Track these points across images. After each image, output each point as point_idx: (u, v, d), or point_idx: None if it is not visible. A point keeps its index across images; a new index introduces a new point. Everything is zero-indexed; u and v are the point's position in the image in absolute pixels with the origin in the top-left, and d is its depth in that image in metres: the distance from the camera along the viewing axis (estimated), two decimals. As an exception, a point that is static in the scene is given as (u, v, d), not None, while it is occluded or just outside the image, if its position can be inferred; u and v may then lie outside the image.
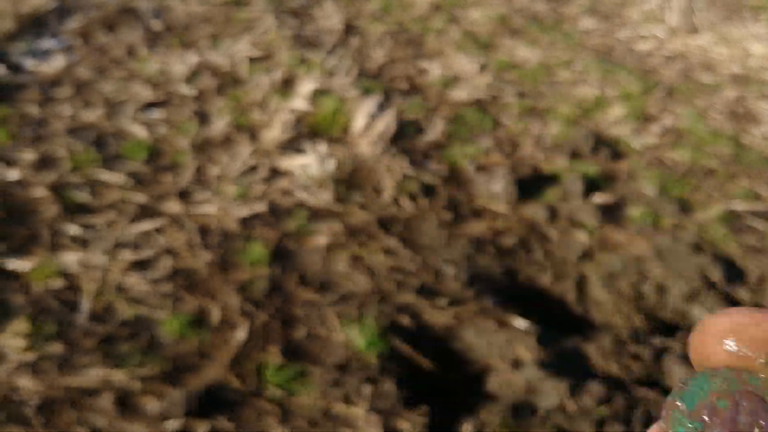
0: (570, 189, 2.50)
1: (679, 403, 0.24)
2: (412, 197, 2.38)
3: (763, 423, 0.23)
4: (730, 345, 0.24)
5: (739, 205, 2.58)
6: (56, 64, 2.96)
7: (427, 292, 1.94)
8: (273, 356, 1.69)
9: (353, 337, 1.74)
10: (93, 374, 1.60)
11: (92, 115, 2.63)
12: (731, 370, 0.24)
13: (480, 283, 2.01)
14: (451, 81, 3.36)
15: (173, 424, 1.50)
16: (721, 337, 0.25)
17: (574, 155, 2.81)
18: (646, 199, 2.52)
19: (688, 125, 3.15)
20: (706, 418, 0.23)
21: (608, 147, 2.86)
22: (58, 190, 2.18)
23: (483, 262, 2.11)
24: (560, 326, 1.95)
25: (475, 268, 2.07)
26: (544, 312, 2.00)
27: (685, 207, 2.52)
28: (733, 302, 2.08)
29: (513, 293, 2.08)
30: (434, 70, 3.44)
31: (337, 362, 1.68)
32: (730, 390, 0.24)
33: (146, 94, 2.81)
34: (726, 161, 2.88)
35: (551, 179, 2.60)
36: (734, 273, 2.21)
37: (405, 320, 1.83)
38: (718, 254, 2.28)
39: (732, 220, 2.50)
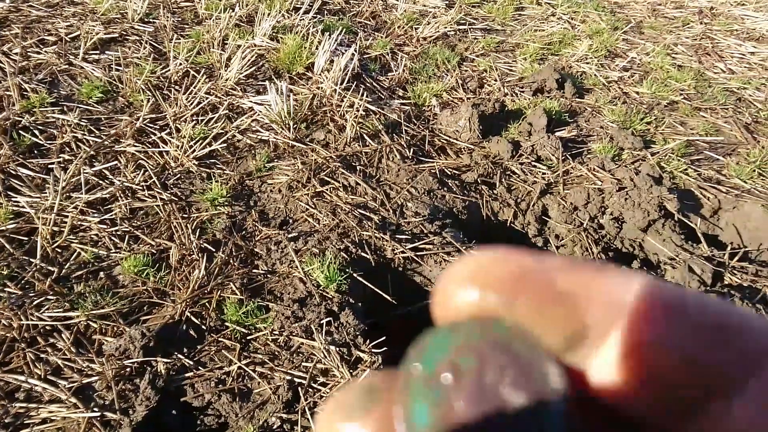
0: (534, 124, 2.49)
1: (415, 368, 0.20)
2: (375, 134, 2.35)
3: (513, 377, 0.19)
4: (472, 292, 0.21)
5: (699, 138, 2.60)
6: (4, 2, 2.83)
7: (388, 227, 1.94)
8: (232, 293, 1.69)
9: (313, 272, 1.74)
10: (49, 314, 1.59)
11: (44, 54, 2.52)
12: (476, 322, 0.21)
13: (442, 218, 2.01)
14: (418, 17, 3.29)
15: (132, 360, 1.51)
16: (463, 284, 0.21)
17: (540, 91, 2.79)
18: (608, 134, 2.53)
19: (654, 60, 3.14)
20: (449, 381, 0.19)
21: (574, 83, 2.84)
22: (8, 131, 2.11)
23: (446, 197, 2.11)
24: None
25: (438, 203, 2.07)
26: (506, 245, 2.01)
27: (646, 140, 2.53)
28: (688, 231, 2.12)
29: (474, 227, 2.10)
30: (400, 6, 3.35)
31: (297, 297, 1.68)
32: (473, 344, 0.20)
33: (101, 31, 2.70)
34: (689, 95, 2.89)
35: (516, 115, 2.58)
36: (691, 203, 2.25)
37: (365, 255, 1.83)
38: (677, 185, 2.31)
39: (692, 152, 2.52)
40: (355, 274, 1.75)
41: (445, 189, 2.15)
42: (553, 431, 0.19)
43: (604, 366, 0.21)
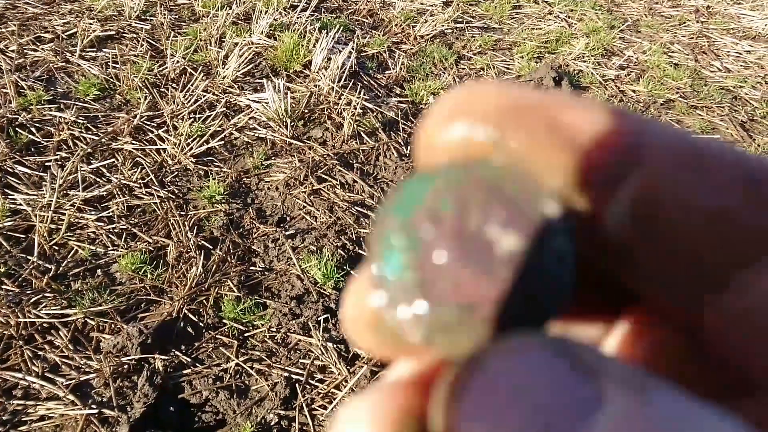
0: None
1: (390, 217, 0.17)
2: (373, 132, 2.35)
3: (499, 214, 0.17)
4: (459, 127, 0.18)
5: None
6: (-1, -2, 2.82)
7: (385, 225, 1.95)
8: (230, 291, 1.69)
9: (310, 269, 1.74)
10: (46, 312, 1.59)
11: (40, 51, 2.52)
12: (460, 164, 0.18)
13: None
14: (415, 15, 3.29)
15: (129, 357, 1.51)
16: (449, 119, 0.18)
17: (537, 88, 2.80)
18: (605, 132, 2.53)
19: (651, 59, 3.15)
20: (425, 226, 0.17)
21: (571, 81, 2.84)
22: (5, 128, 2.11)
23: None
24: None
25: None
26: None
27: (643, 139, 2.54)
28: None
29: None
30: (397, 4, 3.36)
31: (294, 294, 1.69)
32: (455, 186, 0.17)
33: (97, 29, 2.70)
34: (685, 94, 2.90)
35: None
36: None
37: (363, 252, 1.84)
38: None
39: (689, 151, 2.53)
40: (352, 272, 1.76)
41: (442, 187, 2.15)
42: (556, 274, 0.16)
43: (614, 217, 0.17)
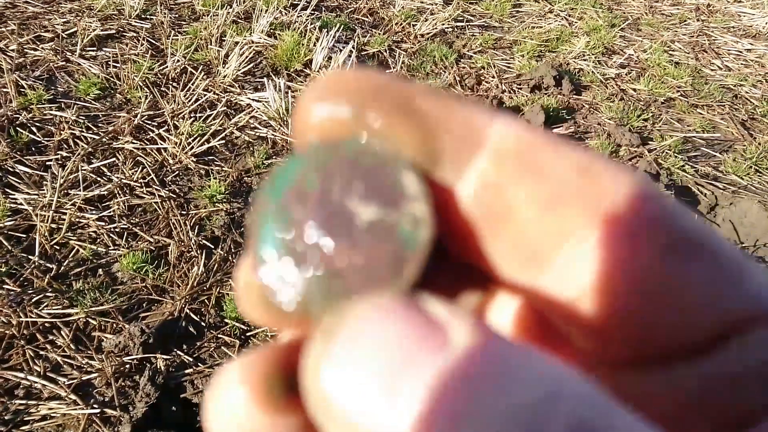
0: (531, 121, 2.49)
1: (266, 200, 0.19)
2: (373, 131, 2.35)
3: (360, 188, 0.18)
4: (325, 106, 0.19)
5: (696, 135, 2.61)
6: (-1, -3, 2.82)
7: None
8: (232, 290, 1.69)
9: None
10: (48, 311, 1.59)
11: (40, 51, 2.52)
12: (327, 144, 0.19)
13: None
14: (415, 14, 3.29)
15: (131, 357, 1.51)
16: (317, 99, 0.20)
17: (537, 88, 2.80)
18: (606, 130, 2.53)
19: (651, 57, 3.15)
20: (295, 206, 0.18)
21: (571, 80, 2.84)
22: (5, 128, 2.11)
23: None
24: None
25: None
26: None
27: (643, 137, 2.54)
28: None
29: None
30: (398, 3, 3.35)
31: (296, 294, 1.69)
32: (320, 165, 0.19)
33: (98, 28, 2.70)
34: (686, 92, 2.90)
35: (513, 112, 2.59)
36: (688, 199, 2.26)
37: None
38: (674, 182, 2.32)
39: (688, 149, 2.53)
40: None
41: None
42: (412, 237, 0.18)
43: (462, 194, 0.19)
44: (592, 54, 3.11)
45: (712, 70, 3.11)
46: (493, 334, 0.16)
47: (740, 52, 3.30)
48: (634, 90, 2.88)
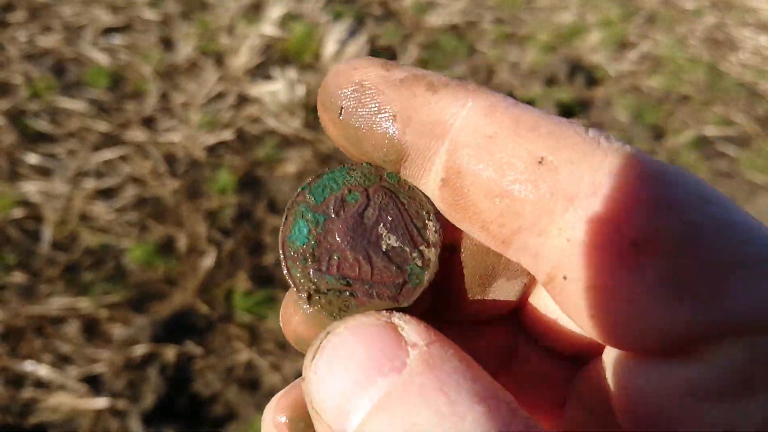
0: (544, 116, 2.46)
1: (307, 196, 0.23)
2: (384, 124, 2.33)
3: (390, 218, 0.22)
4: (348, 90, 0.25)
5: (712, 131, 2.57)
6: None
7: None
8: (241, 282, 1.68)
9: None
10: (57, 302, 1.58)
11: (50, 40, 2.51)
12: (372, 167, 0.23)
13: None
14: (427, 6, 3.26)
15: (140, 349, 1.50)
16: (346, 79, 0.25)
17: (550, 82, 2.77)
18: (620, 125, 2.50)
19: (666, 52, 3.10)
20: (332, 211, 0.23)
21: (584, 74, 2.81)
22: (15, 118, 2.10)
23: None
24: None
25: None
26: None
27: (658, 133, 2.51)
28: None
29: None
30: (409, -5, 3.32)
31: (306, 287, 1.67)
32: (364, 184, 0.23)
33: (108, 18, 2.69)
34: (701, 88, 2.86)
35: (526, 106, 2.56)
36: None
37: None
38: (689, 180, 2.28)
39: (703, 145, 2.50)
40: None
41: (455, 180, 2.13)
42: (419, 275, 0.21)
43: (430, 183, 0.22)
44: (606, 48, 3.07)
45: (728, 65, 3.07)
46: (445, 362, 0.18)
47: (757, 47, 3.25)
48: (649, 85, 2.84)
